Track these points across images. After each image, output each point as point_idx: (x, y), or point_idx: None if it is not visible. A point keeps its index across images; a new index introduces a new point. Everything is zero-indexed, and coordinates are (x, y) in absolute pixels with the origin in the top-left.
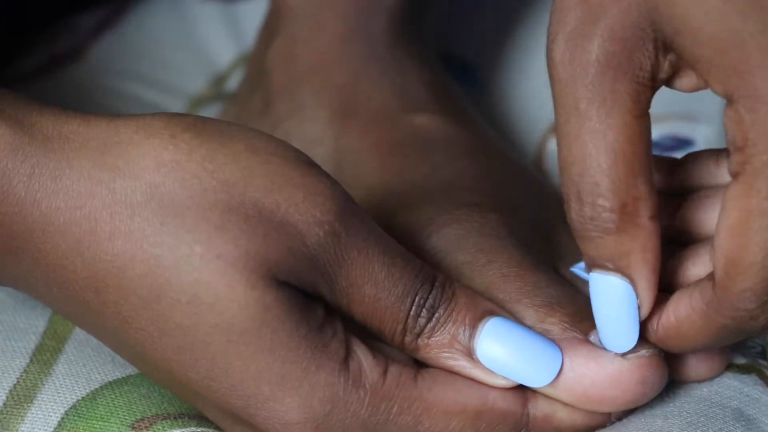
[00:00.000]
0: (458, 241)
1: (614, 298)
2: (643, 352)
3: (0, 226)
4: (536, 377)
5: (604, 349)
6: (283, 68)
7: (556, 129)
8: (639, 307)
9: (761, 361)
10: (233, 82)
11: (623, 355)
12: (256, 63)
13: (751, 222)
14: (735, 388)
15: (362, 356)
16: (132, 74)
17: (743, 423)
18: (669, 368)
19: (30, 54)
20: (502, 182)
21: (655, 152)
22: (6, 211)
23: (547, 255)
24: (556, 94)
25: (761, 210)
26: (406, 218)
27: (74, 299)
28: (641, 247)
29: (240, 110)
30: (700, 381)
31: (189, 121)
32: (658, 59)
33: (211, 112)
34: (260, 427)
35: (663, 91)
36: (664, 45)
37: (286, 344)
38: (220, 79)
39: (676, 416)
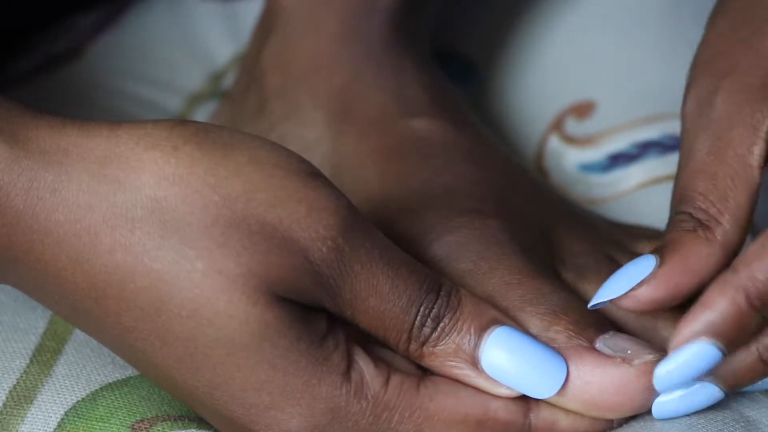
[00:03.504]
0: (459, 249)
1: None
2: (649, 357)
3: None
4: (540, 389)
5: (610, 356)
6: (278, 69)
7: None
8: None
9: None
10: (230, 80)
11: (630, 361)
12: (251, 63)
13: None
14: None
15: (364, 366)
16: (130, 73)
17: (743, 424)
18: None
19: (30, 53)
20: (502, 187)
21: (655, 151)
22: (4, 223)
23: (548, 259)
24: (683, 139)
25: None
26: (406, 226)
27: (74, 307)
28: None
29: (234, 111)
30: None
31: (191, 131)
32: None
33: (208, 109)
34: None
35: (662, 90)
36: None
37: (287, 358)
38: (217, 77)
39: (677, 419)
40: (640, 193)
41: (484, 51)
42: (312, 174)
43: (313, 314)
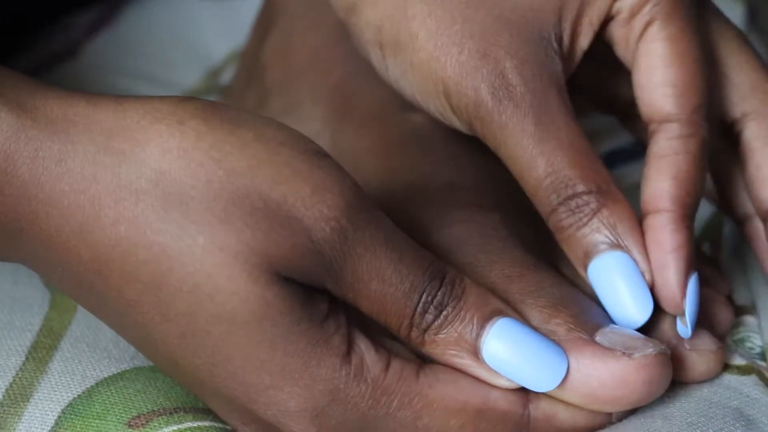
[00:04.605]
0: (459, 242)
1: (622, 271)
2: (650, 350)
3: (5, 207)
4: (540, 382)
5: (610, 349)
6: (278, 63)
7: (512, 168)
8: (643, 273)
9: (760, 363)
10: (227, 76)
11: (629, 354)
12: (250, 58)
13: None
14: (735, 389)
15: (365, 350)
16: (127, 70)
17: (743, 423)
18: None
19: (27, 52)
20: (501, 181)
21: None
22: (10, 192)
23: (548, 254)
24: (500, 139)
25: None
26: (406, 219)
27: (78, 281)
28: (626, 216)
29: (234, 106)
30: (698, 381)
31: (197, 107)
32: (564, 58)
33: None
34: (260, 414)
35: None
36: (568, 36)
37: (287, 338)
38: (214, 73)
39: (676, 416)
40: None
41: None
42: (318, 153)
43: (315, 295)
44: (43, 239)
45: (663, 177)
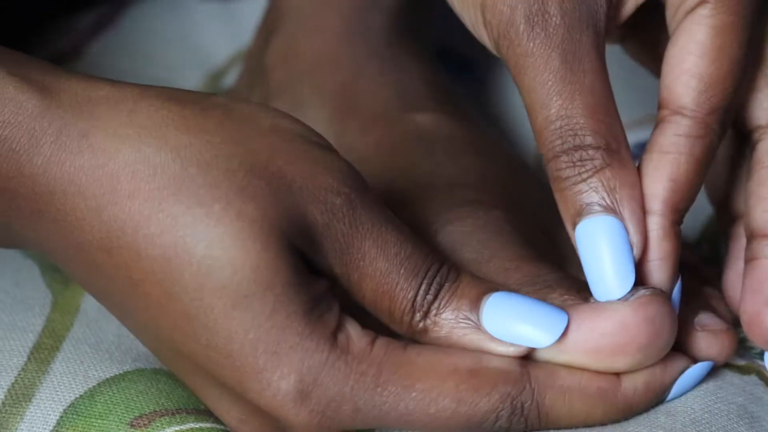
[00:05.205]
0: (462, 239)
1: (610, 238)
2: (643, 291)
3: (24, 188)
4: (543, 336)
5: (605, 303)
6: (282, 66)
7: (525, 99)
8: (632, 246)
9: (760, 363)
10: (230, 78)
11: (624, 300)
12: (254, 60)
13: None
14: (738, 386)
15: (351, 329)
16: (129, 72)
17: (747, 420)
18: (681, 349)
19: (29, 54)
20: (504, 180)
21: None
22: (31, 173)
23: (550, 252)
24: (522, 65)
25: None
26: (409, 217)
27: (88, 262)
28: (629, 183)
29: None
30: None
31: (218, 101)
32: (613, 4)
33: None
34: (255, 402)
35: None
36: None
37: (286, 309)
38: (216, 75)
39: (680, 413)
40: None
41: (482, 50)
42: (328, 147)
43: (315, 276)
44: (58, 219)
45: (661, 177)
